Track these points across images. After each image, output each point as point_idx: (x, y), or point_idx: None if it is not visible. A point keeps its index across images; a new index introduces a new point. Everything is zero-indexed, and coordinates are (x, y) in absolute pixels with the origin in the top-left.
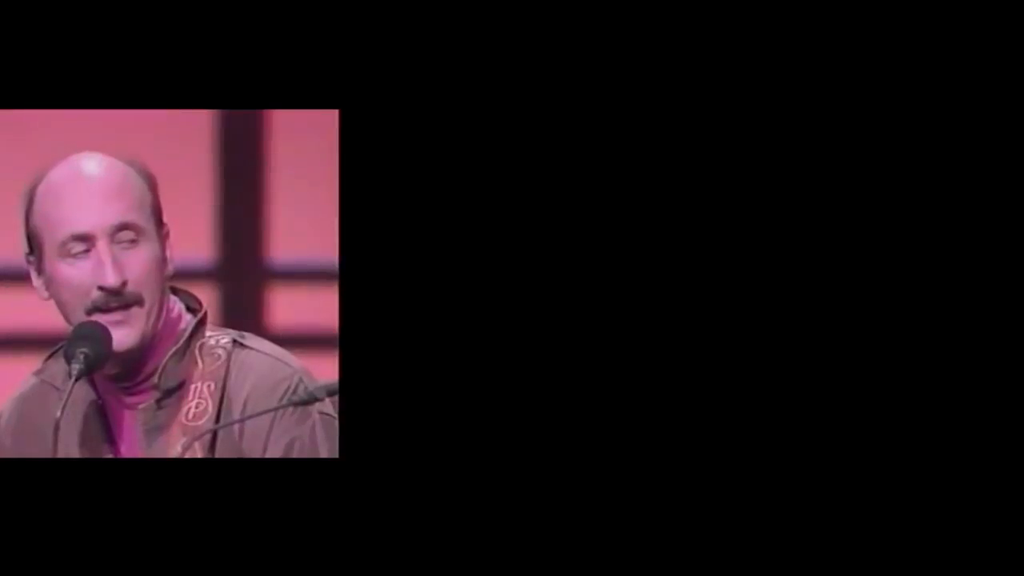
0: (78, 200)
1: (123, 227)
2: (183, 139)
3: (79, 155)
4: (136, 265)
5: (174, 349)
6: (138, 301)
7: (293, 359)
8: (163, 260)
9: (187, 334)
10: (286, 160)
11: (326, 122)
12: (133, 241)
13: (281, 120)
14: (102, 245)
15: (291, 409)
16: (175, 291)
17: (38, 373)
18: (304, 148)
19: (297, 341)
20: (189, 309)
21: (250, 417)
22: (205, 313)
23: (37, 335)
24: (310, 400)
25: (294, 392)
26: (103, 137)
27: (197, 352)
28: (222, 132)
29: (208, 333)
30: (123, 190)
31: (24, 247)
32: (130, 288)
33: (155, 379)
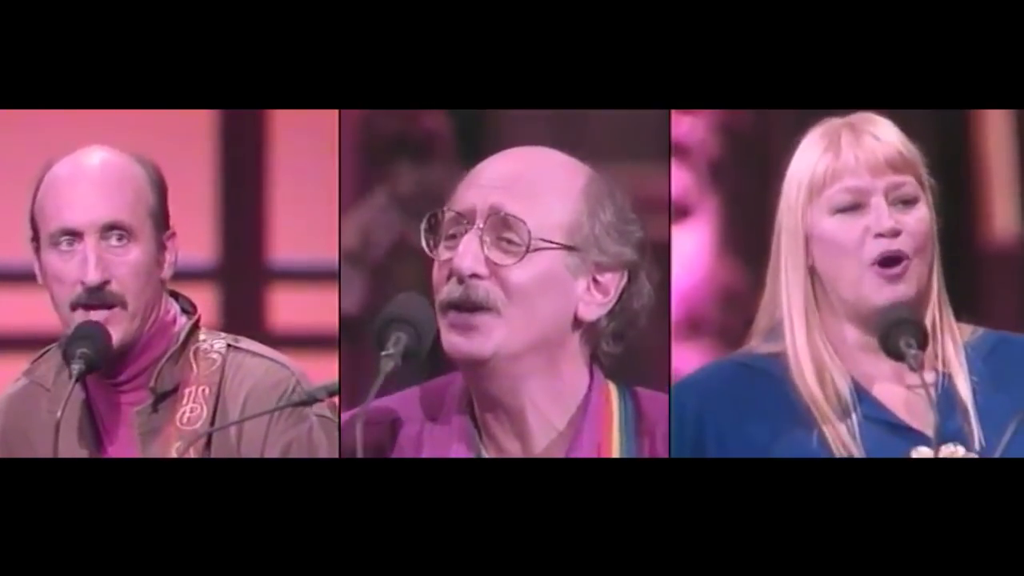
0: (73, 194)
1: (112, 226)
2: (184, 139)
3: (89, 148)
4: (122, 265)
5: (170, 353)
6: (121, 303)
7: (288, 361)
8: (157, 263)
9: (182, 337)
10: (286, 160)
11: (326, 122)
12: (122, 241)
13: (281, 120)
14: (89, 242)
15: (288, 411)
16: (172, 293)
17: (28, 374)
18: (304, 148)
19: (297, 341)
20: (184, 311)
21: (246, 419)
22: (199, 317)
23: (36, 335)
24: (310, 401)
25: (292, 393)
26: (104, 137)
27: (192, 356)
28: (222, 132)
29: (202, 337)
30: (120, 188)
31: (28, 231)
32: (113, 288)
33: (151, 382)
